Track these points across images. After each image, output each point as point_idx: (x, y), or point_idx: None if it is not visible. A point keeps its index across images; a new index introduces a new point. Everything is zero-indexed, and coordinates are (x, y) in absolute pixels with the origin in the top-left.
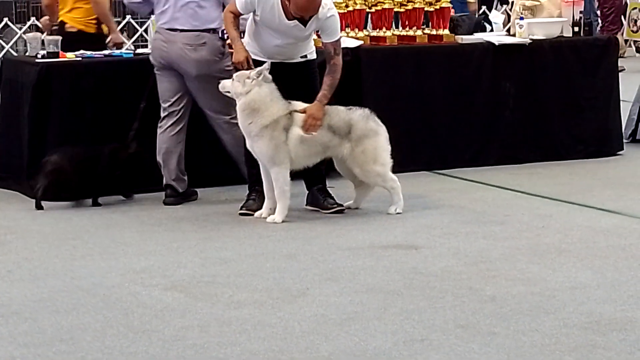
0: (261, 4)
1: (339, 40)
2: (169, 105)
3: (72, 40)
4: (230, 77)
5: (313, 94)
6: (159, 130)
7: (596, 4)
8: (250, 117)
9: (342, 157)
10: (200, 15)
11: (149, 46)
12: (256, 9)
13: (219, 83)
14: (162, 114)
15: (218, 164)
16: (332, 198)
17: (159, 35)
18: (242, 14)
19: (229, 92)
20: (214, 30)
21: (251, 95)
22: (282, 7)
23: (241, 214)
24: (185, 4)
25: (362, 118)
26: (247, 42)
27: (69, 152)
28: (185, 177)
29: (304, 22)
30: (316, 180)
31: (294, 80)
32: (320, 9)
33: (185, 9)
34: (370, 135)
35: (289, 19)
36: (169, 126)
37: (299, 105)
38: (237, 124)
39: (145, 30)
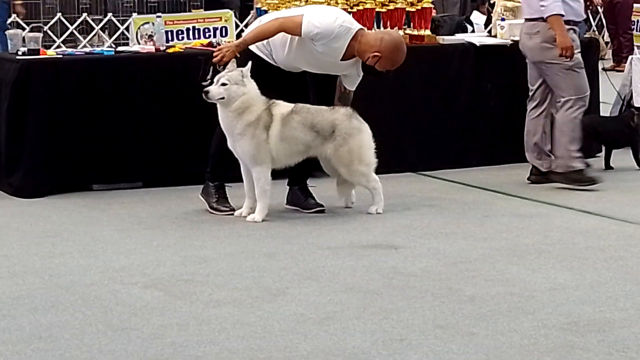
0: (331, 42)
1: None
2: (530, 90)
3: None
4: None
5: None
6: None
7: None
8: (238, 117)
9: (326, 157)
10: (533, 3)
11: (130, 44)
12: (321, 41)
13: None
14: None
15: (199, 162)
16: (313, 198)
17: None
18: (300, 36)
19: (222, 98)
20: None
21: (249, 94)
22: (346, 49)
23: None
24: None
25: (345, 117)
26: (267, 41)
27: None
28: (549, 157)
29: (369, 69)
30: (298, 179)
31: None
32: None
33: None
34: (354, 134)
35: (343, 59)
36: (532, 109)
37: (280, 102)
38: (567, 104)
39: (127, 29)
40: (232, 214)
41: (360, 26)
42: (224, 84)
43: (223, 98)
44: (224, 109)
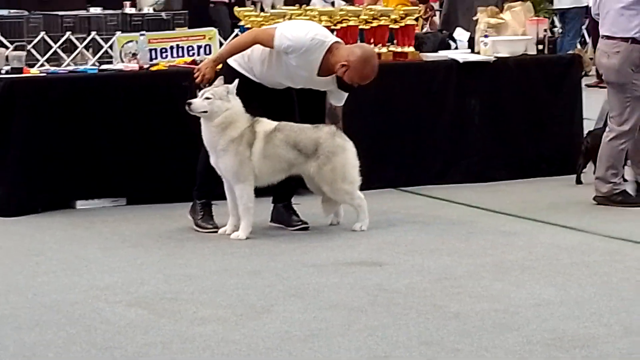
0: (303, 55)
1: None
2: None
3: None
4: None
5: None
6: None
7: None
8: (222, 132)
9: (309, 175)
10: (620, 22)
11: (114, 62)
12: (293, 54)
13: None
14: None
15: (182, 180)
16: (297, 215)
17: None
18: (272, 48)
19: (205, 111)
20: (634, 40)
21: (233, 109)
22: (321, 64)
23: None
24: (608, 10)
25: (329, 136)
26: (243, 55)
27: None
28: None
29: (342, 84)
30: (282, 196)
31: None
32: None
33: (608, 14)
34: (338, 153)
35: (319, 75)
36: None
37: (263, 120)
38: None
39: (110, 47)
40: (216, 232)
41: (336, 39)
42: (208, 98)
43: (206, 112)
44: (207, 124)
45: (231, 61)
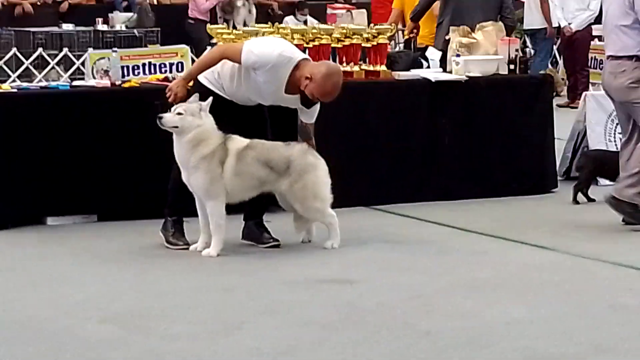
0: (270, 71)
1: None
2: (625, 132)
3: None
4: None
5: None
6: None
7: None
8: (193, 149)
9: (281, 192)
10: (622, 41)
11: (86, 79)
12: (260, 70)
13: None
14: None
15: (154, 197)
16: (269, 232)
17: None
18: (240, 64)
19: (176, 126)
20: (638, 58)
21: (204, 126)
22: (288, 82)
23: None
24: (610, 29)
25: (300, 153)
26: (214, 72)
27: None
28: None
29: (304, 99)
30: (253, 214)
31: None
32: None
33: (610, 34)
34: (309, 170)
35: (286, 93)
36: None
37: (235, 137)
38: None
39: (82, 64)
40: (187, 249)
41: (304, 56)
42: (179, 113)
43: (177, 127)
44: (179, 140)
45: (202, 78)
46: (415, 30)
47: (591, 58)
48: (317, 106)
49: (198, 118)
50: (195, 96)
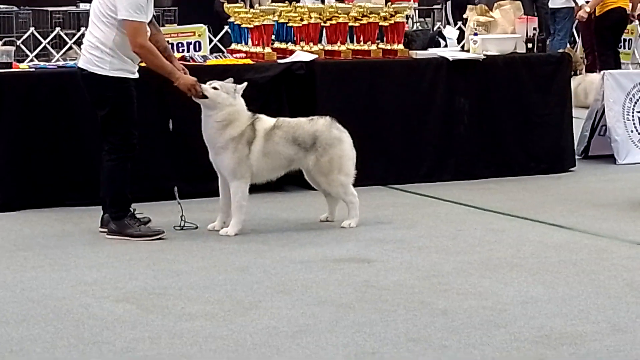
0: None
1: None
2: None
3: None
4: None
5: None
6: None
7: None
8: (222, 129)
9: (308, 168)
10: None
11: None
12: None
13: None
14: None
15: (173, 177)
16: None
17: None
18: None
19: (207, 97)
20: None
21: (236, 107)
22: None
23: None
24: None
25: (325, 128)
26: (112, 62)
27: None
28: None
29: None
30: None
31: None
32: None
33: None
34: (335, 144)
35: None
36: None
37: (263, 117)
38: None
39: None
40: (149, 220)
41: None
42: (215, 88)
43: (207, 97)
44: (208, 119)
45: (121, 68)
46: None
47: (624, 39)
48: None
49: (232, 97)
50: (230, 79)
